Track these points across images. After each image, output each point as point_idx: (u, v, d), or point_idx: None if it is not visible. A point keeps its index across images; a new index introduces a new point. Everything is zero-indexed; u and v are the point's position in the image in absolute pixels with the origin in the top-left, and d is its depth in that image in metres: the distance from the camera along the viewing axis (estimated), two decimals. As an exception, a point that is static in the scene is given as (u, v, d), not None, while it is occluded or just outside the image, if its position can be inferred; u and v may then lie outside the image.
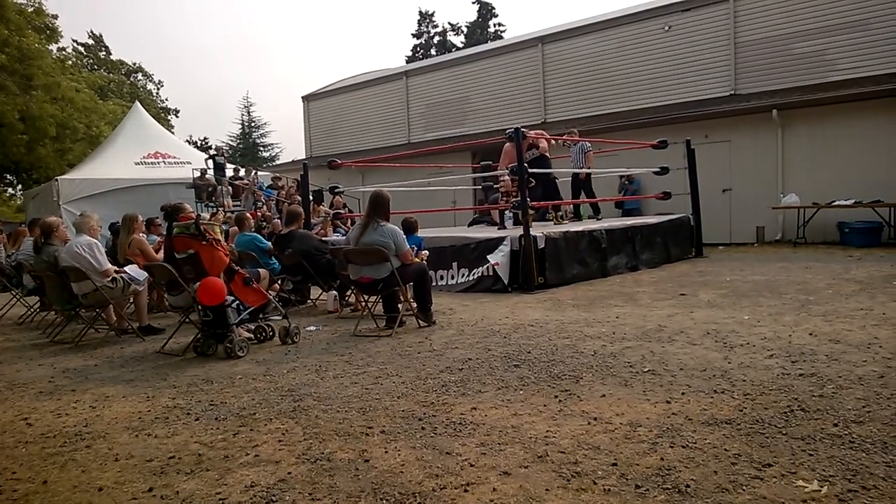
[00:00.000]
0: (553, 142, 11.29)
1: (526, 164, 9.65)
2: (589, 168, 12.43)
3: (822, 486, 2.51)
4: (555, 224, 10.79)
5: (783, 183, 14.51)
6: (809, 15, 15.32)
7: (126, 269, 7.27)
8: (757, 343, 4.99)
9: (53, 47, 30.70)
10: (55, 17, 28.94)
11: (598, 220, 12.21)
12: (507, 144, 10.93)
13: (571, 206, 13.29)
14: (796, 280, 8.40)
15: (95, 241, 6.94)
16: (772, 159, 14.72)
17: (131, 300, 7.47)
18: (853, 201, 12.94)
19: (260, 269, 7.29)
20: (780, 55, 15.79)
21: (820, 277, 8.51)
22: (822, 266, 9.80)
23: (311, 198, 12.77)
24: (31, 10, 27.42)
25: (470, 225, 14.04)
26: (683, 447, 2.98)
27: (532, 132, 11.08)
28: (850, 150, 13.69)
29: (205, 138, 51.66)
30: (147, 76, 50.26)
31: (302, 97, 27.91)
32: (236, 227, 8.88)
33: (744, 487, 2.54)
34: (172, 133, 30.10)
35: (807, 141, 14.26)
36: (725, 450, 2.92)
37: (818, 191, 13.68)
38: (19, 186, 34.22)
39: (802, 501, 2.41)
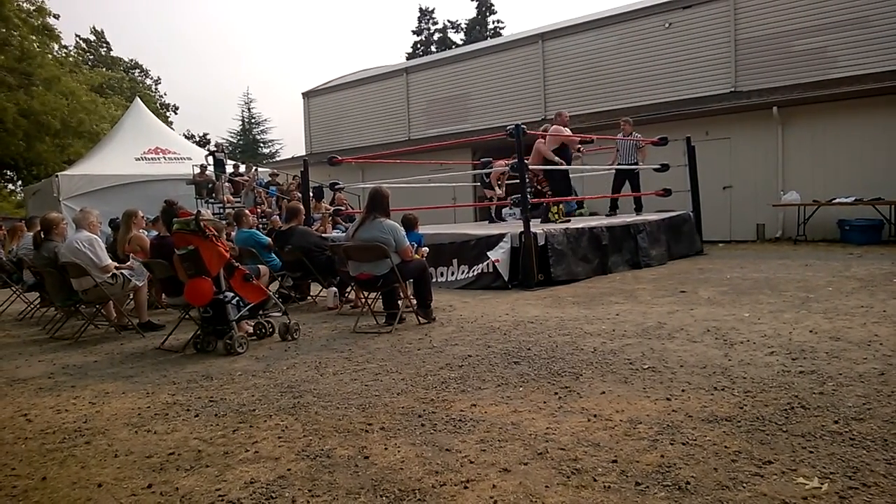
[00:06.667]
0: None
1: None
2: (640, 162, 12.59)
3: (822, 484, 2.50)
4: (558, 221, 10.75)
5: (783, 180, 14.50)
6: (810, 12, 15.31)
7: (131, 262, 7.31)
8: (757, 340, 4.98)
9: (55, 46, 30.60)
10: (56, 16, 28.81)
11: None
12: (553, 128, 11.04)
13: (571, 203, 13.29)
14: (796, 277, 8.39)
15: (95, 236, 6.94)
16: (772, 156, 14.70)
17: (131, 296, 7.47)
18: (854, 199, 12.92)
19: (260, 266, 7.30)
20: (780, 52, 15.78)
21: (820, 275, 8.50)
22: (822, 263, 9.78)
23: (311, 194, 12.76)
24: (33, 8, 27.34)
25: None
26: (683, 444, 2.97)
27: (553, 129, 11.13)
28: (850, 148, 13.68)
29: (204, 134, 51.60)
30: (145, 72, 50.29)
31: (302, 93, 27.86)
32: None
33: (744, 485, 2.53)
34: (172, 129, 30.06)
35: (807, 138, 14.24)
36: (726, 447, 2.91)
37: (819, 188, 13.67)
38: (19, 182, 34.21)
39: (803, 499, 2.41)
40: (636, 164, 12.52)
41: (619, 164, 12.60)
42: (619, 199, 13.06)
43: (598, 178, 14.08)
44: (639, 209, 12.92)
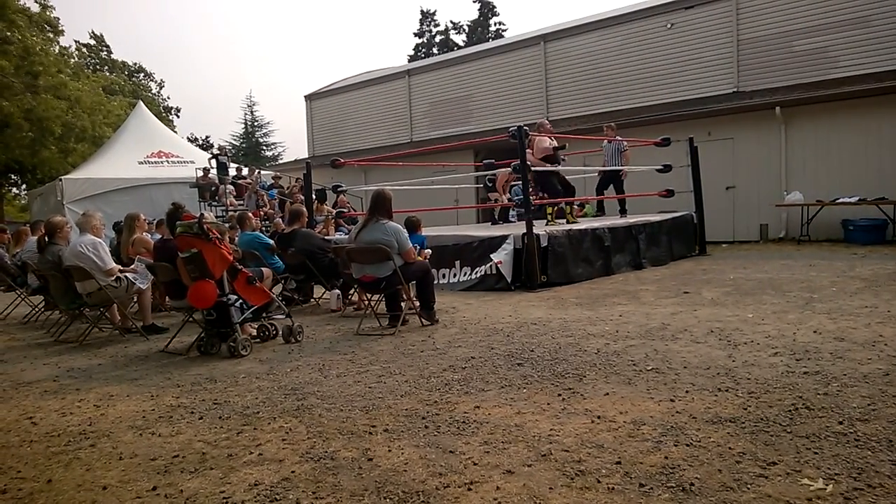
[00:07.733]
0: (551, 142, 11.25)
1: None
2: (624, 167, 12.59)
3: (827, 485, 2.50)
4: (547, 223, 10.78)
5: (787, 180, 14.48)
6: (812, 12, 15.31)
7: (136, 265, 7.33)
8: (761, 341, 4.97)
9: (55, 47, 30.68)
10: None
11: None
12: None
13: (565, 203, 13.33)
14: (800, 278, 8.38)
15: (99, 240, 6.95)
16: (775, 156, 14.68)
17: (135, 299, 7.48)
18: (857, 199, 12.90)
19: (263, 268, 7.30)
20: (782, 52, 15.78)
21: (824, 275, 8.49)
22: (826, 264, 9.77)
23: (314, 197, 12.77)
24: (35, 9, 27.48)
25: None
26: (687, 445, 2.97)
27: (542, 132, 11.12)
28: (853, 147, 13.67)
29: (207, 137, 51.67)
30: (148, 76, 50.38)
31: (305, 96, 27.91)
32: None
33: (748, 486, 2.53)
34: (175, 132, 30.12)
35: (810, 138, 14.23)
36: (730, 448, 2.91)
37: (822, 188, 13.65)
38: (24, 186, 34.29)
39: (808, 500, 2.40)
40: (618, 167, 12.51)
41: (604, 168, 12.62)
42: (621, 200, 13.04)
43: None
44: (622, 212, 12.96)
